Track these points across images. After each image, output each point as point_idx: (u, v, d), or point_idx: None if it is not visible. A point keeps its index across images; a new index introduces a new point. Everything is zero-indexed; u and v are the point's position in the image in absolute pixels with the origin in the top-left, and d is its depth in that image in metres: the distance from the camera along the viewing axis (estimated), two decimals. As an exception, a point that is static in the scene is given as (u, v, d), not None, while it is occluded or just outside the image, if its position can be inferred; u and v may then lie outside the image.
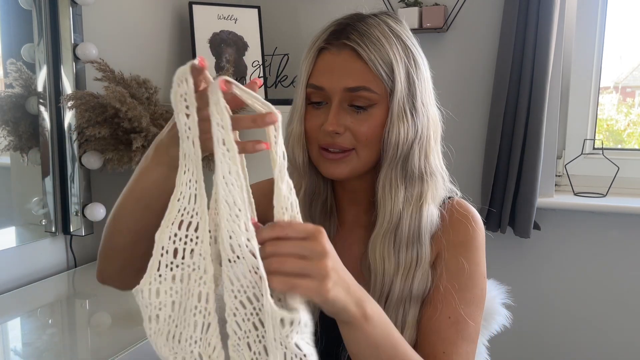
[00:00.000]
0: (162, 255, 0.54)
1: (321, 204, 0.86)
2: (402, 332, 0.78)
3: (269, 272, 0.54)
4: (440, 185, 0.83)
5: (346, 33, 0.76)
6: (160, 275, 0.54)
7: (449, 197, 0.87)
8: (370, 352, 0.64)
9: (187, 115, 0.53)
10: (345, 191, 0.87)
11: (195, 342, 0.54)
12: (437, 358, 0.76)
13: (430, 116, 0.81)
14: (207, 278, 0.54)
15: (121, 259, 0.74)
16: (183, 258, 0.54)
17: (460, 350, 0.77)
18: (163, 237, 0.54)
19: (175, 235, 0.54)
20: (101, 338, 1.09)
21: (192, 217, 0.55)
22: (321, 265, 0.56)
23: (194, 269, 0.54)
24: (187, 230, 0.54)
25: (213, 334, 0.54)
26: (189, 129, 0.54)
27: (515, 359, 1.93)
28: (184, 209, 0.55)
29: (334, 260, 0.57)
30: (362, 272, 0.83)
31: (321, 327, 0.83)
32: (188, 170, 0.55)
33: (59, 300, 1.32)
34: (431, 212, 0.81)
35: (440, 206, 0.85)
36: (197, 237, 0.54)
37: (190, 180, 0.55)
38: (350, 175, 0.80)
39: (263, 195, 0.83)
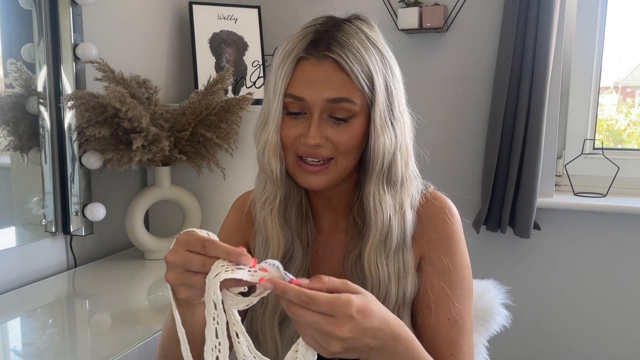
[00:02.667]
0: None
1: (296, 208, 0.85)
2: None
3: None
4: (415, 189, 0.84)
5: (326, 44, 0.75)
6: None
7: (423, 189, 0.86)
8: None
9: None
10: (320, 198, 0.87)
11: None
12: None
13: (406, 122, 0.81)
14: None
15: None
16: None
17: (464, 347, 0.80)
18: None
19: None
20: (101, 338, 1.09)
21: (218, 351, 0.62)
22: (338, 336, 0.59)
23: None
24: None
25: None
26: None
27: (515, 359, 1.93)
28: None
29: (357, 325, 0.60)
30: (346, 276, 0.83)
31: None
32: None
33: (59, 300, 1.32)
34: (410, 217, 0.82)
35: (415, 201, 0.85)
36: None
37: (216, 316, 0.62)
38: (327, 186, 0.79)
39: (236, 227, 0.91)
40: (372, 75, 0.75)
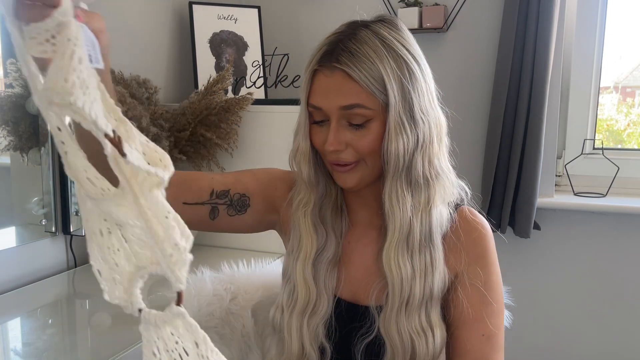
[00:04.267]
0: None
1: (332, 203, 0.88)
2: (431, 333, 0.82)
3: None
4: (447, 185, 0.85)
5: (337, 55, 0.78)
6: None
7: (458, 205, 0.88)
8: None
9: None
10: (355, 195, 0.89)
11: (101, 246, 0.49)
12: None
13: (431, 120, 0.82)
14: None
15: None
16: None
17: None
18: None
19: None
20: (101, 338, 1.09)
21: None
22: None
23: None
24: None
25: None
26: None
27: (515, 359, 1.93)
28: None
29: None
30: (379, 270, 0.85)
31: (336, 319, 0.85)
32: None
33: (59, 300, 1.32)
34: (440, 213, 0.84)
35: (451, 211, 0.87)
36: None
37: None
38: (361, 184, 0.83)
39: (280, 180, 0.93)
40: (383, 80, 0.77)
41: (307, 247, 0.86)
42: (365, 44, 0.78)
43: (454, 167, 0.89)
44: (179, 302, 0.45)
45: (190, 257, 0.44)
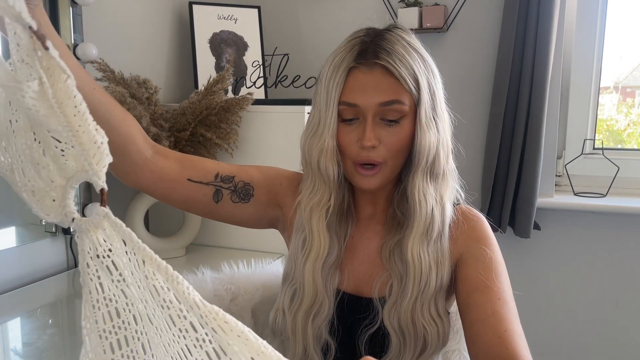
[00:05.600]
0: None
1: (339, 206, 0.89)
2: (441, 321, 0.85)
3: None
4: (452, 184, 0.89)
5: (374, 52, 0.80)
6: None
7: (457, 204, 0.91)
8: None
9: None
10: (364, 193, 0.91)
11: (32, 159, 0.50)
12: (501, 337, 0.77)
13: (446, 119, 0.87)
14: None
15: None
16: None
17: (516, 327, 0.81)
18: None
19: None
20: (101, 338, 1.09)
21: None
22: None
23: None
24: None
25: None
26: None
27: (515, 359, 1.93)
28: None
29: None
30: (382, 262, 0.88)
31: (337, 318, 0.85)
32: None
33: (59, 300, 1.32)
34: (449, 209, 0.87)
35: (452, 208, 0.89)
36: None
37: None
38: (381, 186, 0.85)
39: (286, 177, 0.93)
40: (417, 77, 0.81)
41: (319, 248, 0.86)
42: (396, 44, 0.81)
43: (456, 167, 0.91)
44: (102, 202, 0.46)
45: (107, 149, 0.45)
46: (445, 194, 0.86)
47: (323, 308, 0.86)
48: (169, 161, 0.86)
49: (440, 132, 0.84)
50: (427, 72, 0.83)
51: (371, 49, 0.81)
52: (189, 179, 0.88)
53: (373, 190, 0.86)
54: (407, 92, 0.80)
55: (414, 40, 0.85)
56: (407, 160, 0.86)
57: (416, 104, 0.81)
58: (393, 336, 0.84)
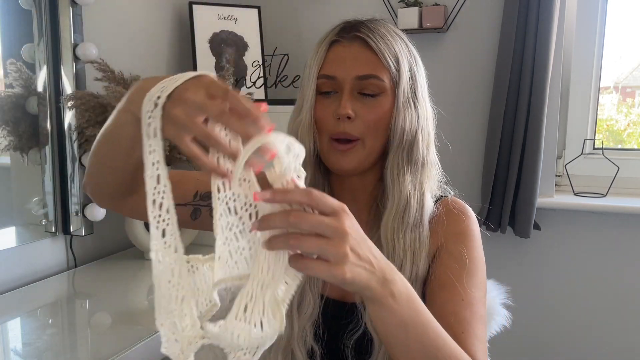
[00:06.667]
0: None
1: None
2: None
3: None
4: (435, 177, 0.88)
5: (356, 27, 0.82)
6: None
7: (443, 196, 0.91)
8: (398, 330, 0.64)
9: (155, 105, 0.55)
10: (344, 190, 0.89)
11: (172, 312, 0.57)
12: (457, 338, 0.75)
13: (428, 111, 0.87)
14: (177, 256, 0.57)
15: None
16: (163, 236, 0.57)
17: (477, 330, 0.79)
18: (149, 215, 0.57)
19: (152, 213, 0.56)
20: (101, 338, 1.09)
21: (162, 197, 0.56)
22: (339, 248, 0.55)
23: (166, 247, 0.57)
24: (160, 209, 0.56)
25: (186, 306, 0.57)
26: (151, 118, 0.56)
27: (515, 359, 1.93)
28: (154, 188, 0.56)
29: (354, 241, 0.57)
30: None
31: (323, 322, 0.84)
32: (154, 150, 0.56)
33: (59, 300, 1.32)
34: (428, 201, 0.86)
35: (435, 202, 0.88)
36: (168, 218, 0.56)
37: (156, 162, 0.56)
38: (356, 167, 0.83)
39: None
40: (398, 57, 0.82)
41: None
42: (381, 26, 0.83)
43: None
44: None
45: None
46: (425, 184, 0.85)
47: (307, 304, 0.84)
48: None
49: (420, 118, 0.84)
50: (409, 57, 0.84)
51: (354, 26, 0.83)
52: None
53: (349, 172, 0.84)
54: (385, 69, 0.81)
55: (401, 32, 0.86)
56: (387, 149, 0.84)
57: (395, 83, 0.82)
58: (376, 339, 0.82)
